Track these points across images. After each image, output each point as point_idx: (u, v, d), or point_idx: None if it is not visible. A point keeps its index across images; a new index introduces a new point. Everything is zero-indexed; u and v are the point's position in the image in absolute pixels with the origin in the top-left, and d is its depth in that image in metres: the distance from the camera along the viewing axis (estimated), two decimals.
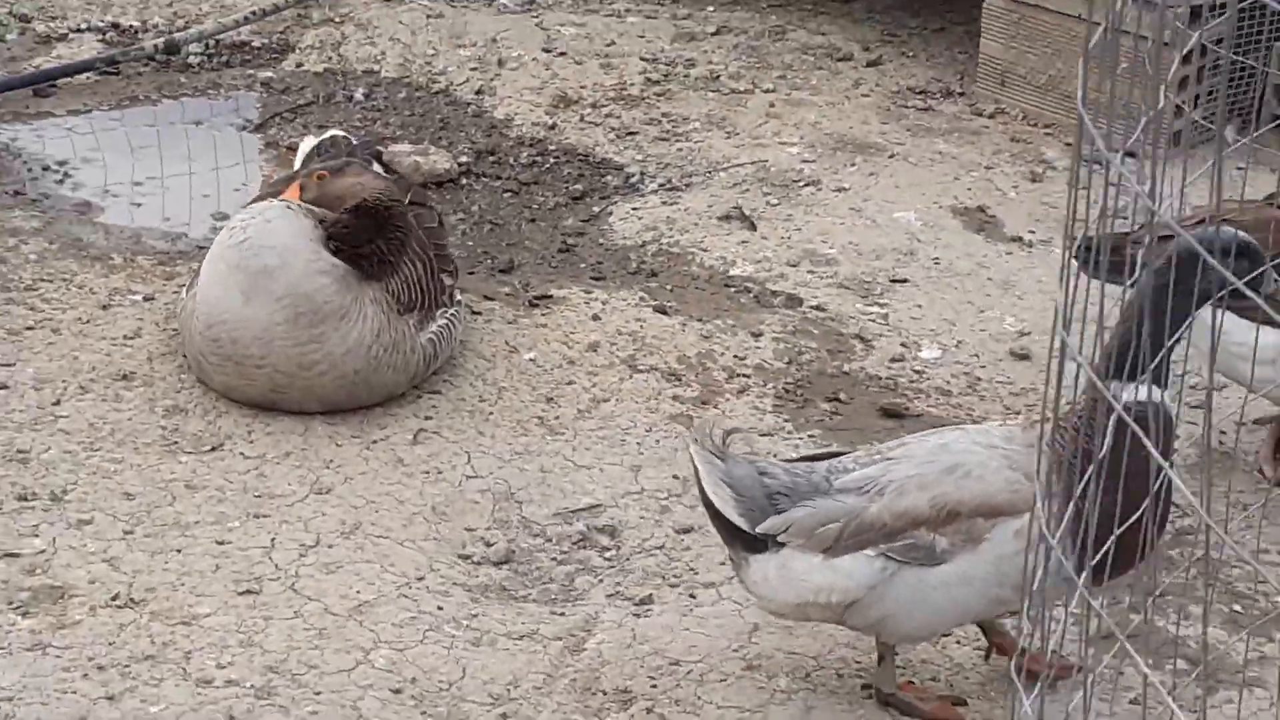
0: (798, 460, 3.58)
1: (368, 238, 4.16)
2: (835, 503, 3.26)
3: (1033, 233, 5.24)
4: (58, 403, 4.20)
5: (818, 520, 3.26)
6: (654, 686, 3.54)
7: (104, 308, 4.60)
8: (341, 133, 4.89)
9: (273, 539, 3.85)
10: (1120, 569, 2.83)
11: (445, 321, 4.34)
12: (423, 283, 4.28)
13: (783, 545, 3.25)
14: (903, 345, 4.72)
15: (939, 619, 3.33)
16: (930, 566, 3.19)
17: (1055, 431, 3.02)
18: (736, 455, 3.44)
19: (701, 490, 3.31)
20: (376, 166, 4.58)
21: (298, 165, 4.63)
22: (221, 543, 3.82)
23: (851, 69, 6.11)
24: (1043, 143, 5.75)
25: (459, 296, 4.49)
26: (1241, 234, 3.20)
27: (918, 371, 4.62)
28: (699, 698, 3.52)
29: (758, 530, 3.26)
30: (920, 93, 6.01)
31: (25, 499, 3.89)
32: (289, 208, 4.15)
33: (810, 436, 4.32)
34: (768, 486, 3.30)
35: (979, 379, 4.58)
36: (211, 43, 6.11)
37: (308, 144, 4.73)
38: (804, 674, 3.59)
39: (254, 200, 4.30)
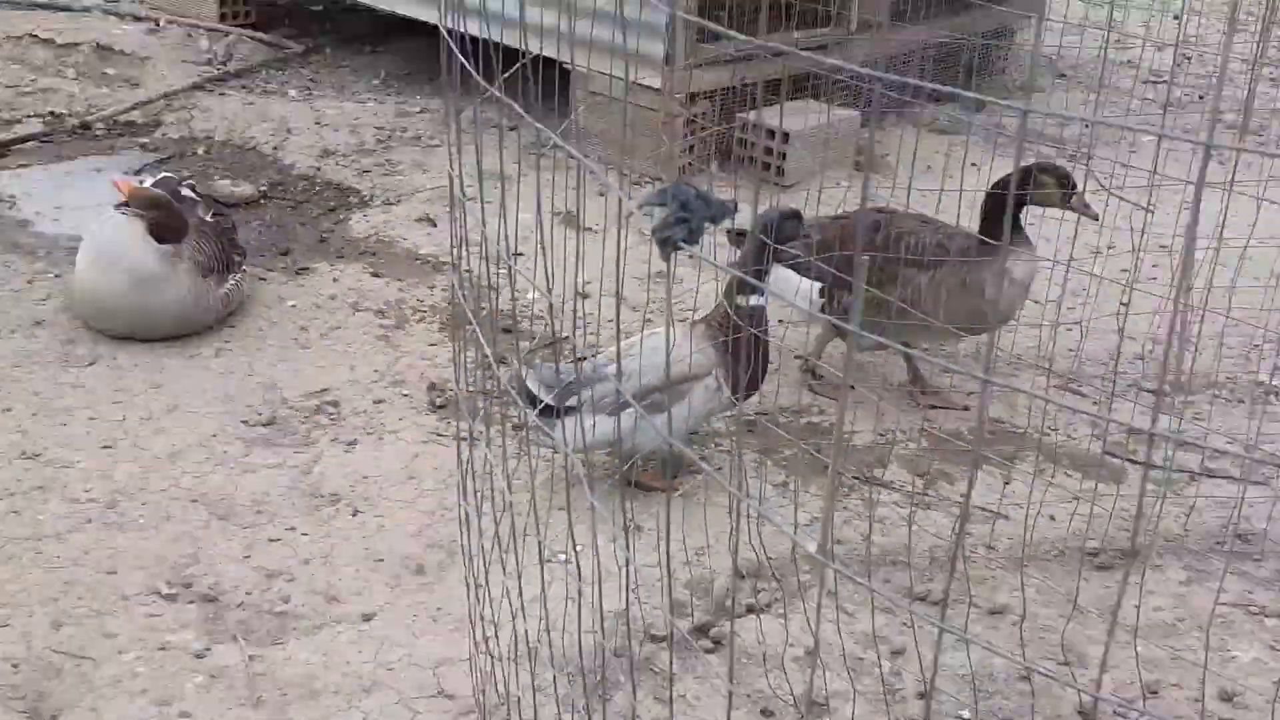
0: (575, 360, 3.74)
1: (166, 228, 4.13)
2: (607, 384, 3.39)
3: (594, 226, 5.26)
4: None
5: (598, 395, 3.41)
6: (352, 490, 3.57)
7: (29, 282, 4.48)
8: (169, 173, 4.81)
9: (124, 415, 3.77)
10: (749, 392, 3.52)
11: (234, 283, 4.32)
12: (217, 257, 4.26)
13: (576, 411, 3.36)
14: (519, 290, 4.72)
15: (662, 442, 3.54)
16: (659, 414, 3.33)
17: (709, 325, 3.53)
18: (539, 363, 3.55)
19: (524, 385, 3.40)
20: (186, 191, 4.52)
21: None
22: (93, 418, 3.74)
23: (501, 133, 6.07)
24: (610, 173, 5.72)
25: (245, 268, 4.43)
26: (790, 207, 3.64)
27: (525, 305, 4.64)
28: (378, 495, 3.57)
29: (566, 404, 3.37)
30: (539, 144, 5.98)
31: None
32: (125, 214, 4.10)
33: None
34: (563, 379, 3.41)
35: (562, 310, 4.63)
36: (111, 121, 5.97)
37: (148, 179, 4.63)
38: (442, 477, 3.66)
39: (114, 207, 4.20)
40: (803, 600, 3.19)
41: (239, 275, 4.35)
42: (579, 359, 3.73)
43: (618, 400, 3.42)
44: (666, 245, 1.63)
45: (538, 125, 2.14)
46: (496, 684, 2.66)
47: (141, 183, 4.46)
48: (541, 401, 3.38)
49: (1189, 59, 7.86)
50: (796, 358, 4.36)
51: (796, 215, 3.60)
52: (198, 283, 4.15)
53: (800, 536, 3.44)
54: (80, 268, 4.11)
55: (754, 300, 3.45)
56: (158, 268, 4.08)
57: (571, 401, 3.40)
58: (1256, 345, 4.53)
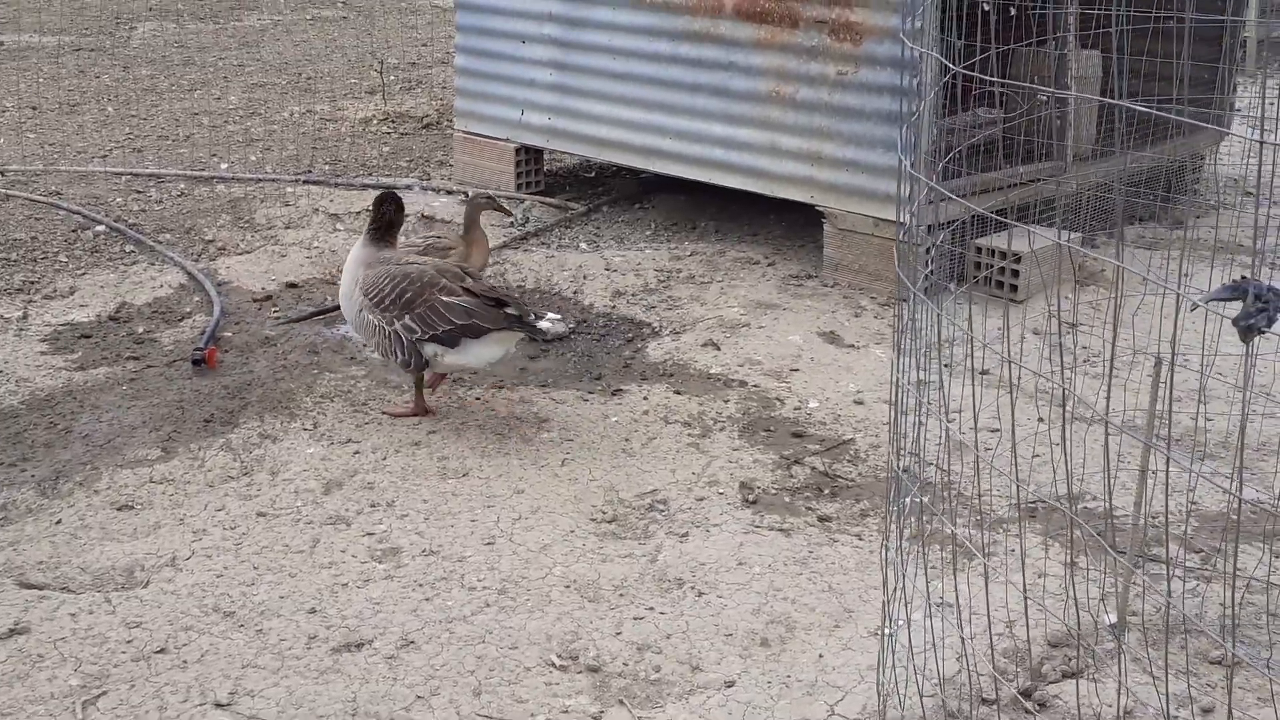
0: None
1: None
2: None
3: (855, 343, 5.35)
4: None
5: None
6: (693, 575, 3.59)
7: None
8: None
9: (498, 517, 3.88)
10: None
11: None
12: None
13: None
14: (799, 401, 4.81)
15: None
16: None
17: None
18: None
19: None
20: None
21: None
22: (474, 520, 3.86)
23: (760, 268, 6.18)
24: (860, 298, 5.82)
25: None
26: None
27: (808, 414, 4.72)
28: (716, 579, 3.60)
29: None
30: (795, 277, 6.08)
31: None
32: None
33: (765, 453, 4.43)
34: None
35: (839, 415, 4.69)
36: None
37: None
38: (768, 563, 3.70)
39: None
40: (1114, 667, 3.13)
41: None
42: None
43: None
44: (1252, 331, 1.69)
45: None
46: None
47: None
48: None
49: None
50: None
51: None
52: None
53: (1099, 610, 3.38)
54: None
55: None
56: None
57: None
58: None
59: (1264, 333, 1.70)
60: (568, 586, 3.56)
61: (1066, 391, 4.61)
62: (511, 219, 5.89)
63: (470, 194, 5.62)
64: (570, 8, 6.73)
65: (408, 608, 3.46)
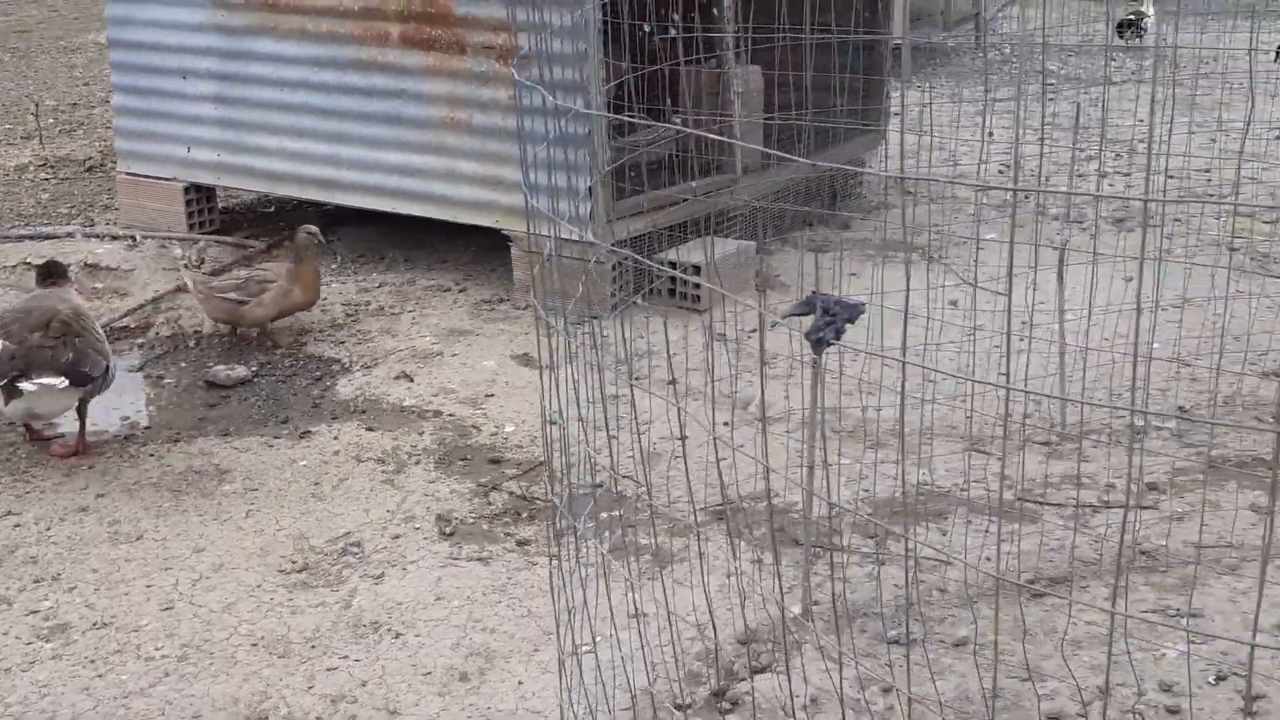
0: None
1: None
2: None
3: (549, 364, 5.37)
4: None
5: None
6: (390, 617, 3.51)
7: (66, 475, 4.43)
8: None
9: (176, 579, 3.70)
10: None
11: None
12: None
13: None
14: (495, 427, 4.79)
15: None
16: None
17: None
18: None
19: None
20: None
21: None
22: (149, 585, 3.67)
23: (452, 295, 6.14)
24: (552, 318, 5.86)
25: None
26: None
27: (504, 439, 4.70)
28: (414, 617, 3.53)
29: None
30: (487, 302, 6.07)
31: None
32: None
33: (462, 483, 4.38)
34: None
35: (536, 437, 4.68)
36: (108, 328, 5.87)
37: None
38: (467, 594, 3.64)
39: None
40: (801, 657, 3.24)
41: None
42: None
43: None
44: (821, 345, 1.74)
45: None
46: None
47: None
48: None
49: (1006, 169, 8.24)
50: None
51: None
52: None
53: (786, 603, 3.50)
54: None
55: None
56: None
57: None
58: (1119, 394, 4.73)
59: (832, 344, 1.79)
60: (255, 645, 3.40)
61: (738, 395, 4.77)
62: (321, 244, 5.63)
63: (300, 231, 5.53)
64: (232, 41, 6.49)
65: (78, 687, 3.22)
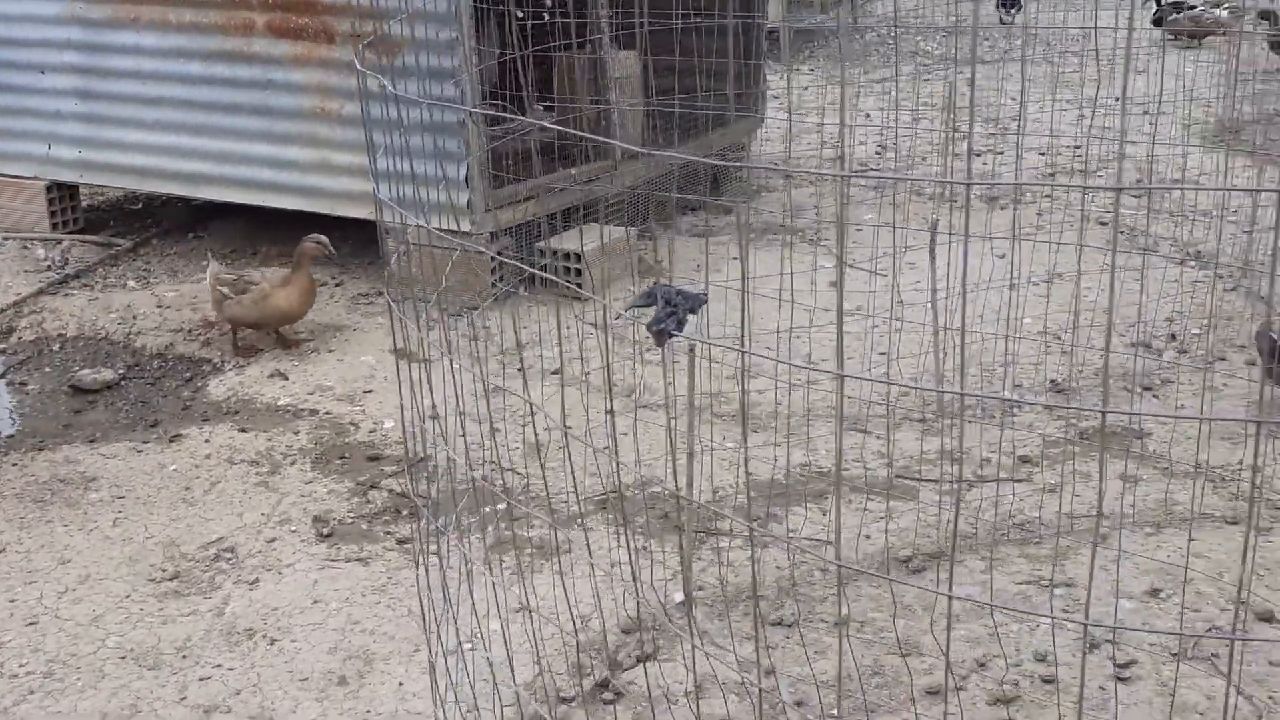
0: None
1: None
2: None
3: (429, 357, 5.28)
4: None
5: None
6: (265, 623, 3.42)
7: None
8: None
9: (41, 593, 3.57)
10: None
11: None
12: None
13: None
14: (374, 423, 4.71)
15: None
16: None
17: None
18: None
19: None
20: None
21: None
22: (13, 600, 3.52)
23: (329, 288, 6.01)
24: (430, 310, 5.78)
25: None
26: None
27: (383, 435, 4.62)
28: (290, 622, 3.44)
29: None
30: (365, 295, 5.98)
31: None
32: None
33: (340, 482, 4.30)
34: None
35: (415, 433, 4.60)
36: None
37: None
38: (345, 596, 3.58)
39: None
40: (682, 643, 3.24)
41: None
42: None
43: None
44: (663, 336, 1.72)
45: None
46: None
47: None
48: None
49: (883, 150, 8.36)
50: None
51: None
52: None
53: (668, 590, 3.49)
54: None
55: None
56: None
57: None
58: (991, 370, 4.81)
59: (674, 336, 1.78)
60: (124, 657, 3.29)
61: (620, 382, 4.76)
62: (330, 255, 5.35)
63: (304, 240, 5.22)
64: (91, 33, 6.27)
65: None
